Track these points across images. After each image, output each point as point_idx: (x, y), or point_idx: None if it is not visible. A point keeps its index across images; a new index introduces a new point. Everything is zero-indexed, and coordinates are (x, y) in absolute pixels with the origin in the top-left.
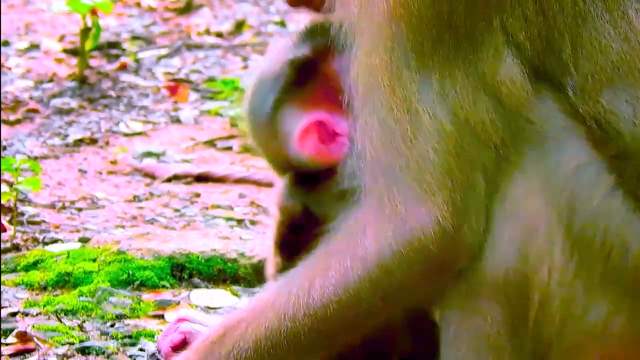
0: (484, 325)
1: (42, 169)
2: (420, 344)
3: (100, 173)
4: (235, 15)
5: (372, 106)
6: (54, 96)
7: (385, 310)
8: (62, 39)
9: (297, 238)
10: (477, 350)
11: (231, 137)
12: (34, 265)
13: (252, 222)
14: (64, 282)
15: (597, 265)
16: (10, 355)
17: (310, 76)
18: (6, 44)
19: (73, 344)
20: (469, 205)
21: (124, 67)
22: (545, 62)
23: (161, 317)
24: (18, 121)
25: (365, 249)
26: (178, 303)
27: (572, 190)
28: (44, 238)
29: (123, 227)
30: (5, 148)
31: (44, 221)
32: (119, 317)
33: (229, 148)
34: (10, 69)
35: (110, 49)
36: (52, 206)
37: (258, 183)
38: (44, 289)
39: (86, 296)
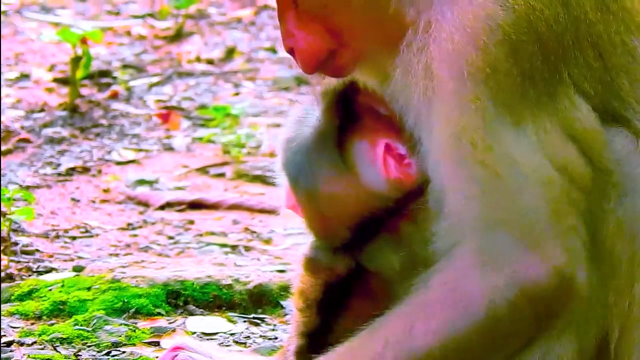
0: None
1: (35, 199)
2: None
3: (93, 201)
4: (225, 42)
5: (466, 167)
6: (46, 126)
7: (488, 355)
8: (52, 68)
9: (338, 296)
10: None
11: (224, 163)
12: (29, 294)
13: (247, 248)
14: (59, 311)
15: None
16: None
17: (351, 113)
18: None
19: None
20: (577, 250)
21: (115, 96)
22: (607, 104)
23: (157, 344)
24: (10, 151)
25: (472, 299)
26: (174, 330)
27: None
28: (38, 267)
29: (117, 255)
30: None
31: (37, 250)
32: (115, 345)
33: (222, 175)
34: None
35: (101, 77)
36: (46, 235)
37: (251, 209)
38: (39, 318)
39: (81, 325)
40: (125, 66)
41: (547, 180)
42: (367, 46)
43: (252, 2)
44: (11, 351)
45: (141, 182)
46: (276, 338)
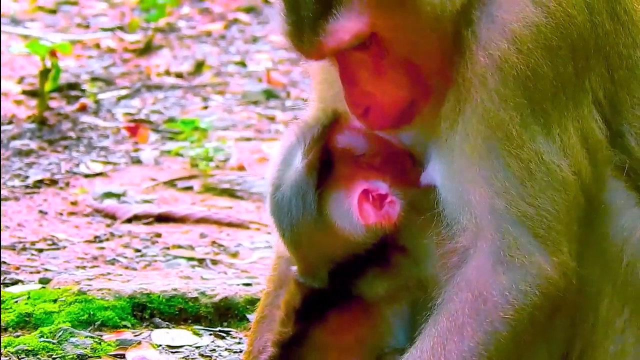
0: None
1: (3, 211)
2: None
3: (61, 214)
4: (194, 56)
5: (499, 159)
6: (14, 138)
7: (517, 352)
8: (21, 80)
9: (317, 307)
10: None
11: (192, 177)
12: None
13: (213, 262)
14: (25, 323)
15: None
16: None
17: (329, 162)
18: None
19: None
20: (574, 256)
21: (83, 108)
22: (609, 116)
23: (122, 357)
24: None
25: (494, 300)
26: (139, 343)
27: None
28: (4, 279)
29: (84, 267)
30: None
31: (4, 262)
32: (80, 357)
33: (190, 188)
34: None
35: (70, 90)
36: (13, 247)
37: (219, 223)
38: (4, 330)
39: (47, 337)
40: (94, 79)
41: (566, 184)
42: (436, 82)
43: (222, 16)
44: None
45: (109, 194)
46: (242, 351)
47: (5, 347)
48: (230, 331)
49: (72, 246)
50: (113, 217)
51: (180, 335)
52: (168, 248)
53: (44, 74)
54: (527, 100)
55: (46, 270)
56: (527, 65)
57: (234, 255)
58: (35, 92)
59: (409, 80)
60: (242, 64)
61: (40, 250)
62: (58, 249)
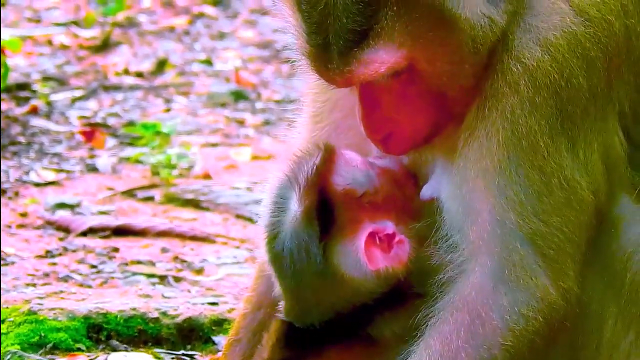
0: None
1: None
2: None
3: (9, 227)
4: (156, 54)
5: (521, 170)
6: None
7: None
8: None
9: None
10: None
11: (153, 186)
12: None
13: (176, 279)
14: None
15: None
16: None
17: (328, 206)
18: None
19: None
20: (579, 276)
21: (34, 111)
22: (630, 126)
23: None
24: None
25: (487, 322)
26: None
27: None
28: None
29: (34, 285)
30: None
31: None
32: None
33: (151, 198)
34: None
35: (19, 90)
36: None
37: (182, 236)
38: None
39: None
40: (46, 78)
41: (583, 203)
42: (461, 105)
43: (187, 10)
44: None
45: (62, 205)
46: None
47: None
48: (194, 355)
49: (21, 261)
50: (66, 230)
51: (140, 359)
52: (126, 264)
53: None
54: (558, 111)
55: None
56: (561, 74)
57: (199, 271)
58: None
59: (434, 108)
60: (208, 62)
61: None
62: (6, 264)
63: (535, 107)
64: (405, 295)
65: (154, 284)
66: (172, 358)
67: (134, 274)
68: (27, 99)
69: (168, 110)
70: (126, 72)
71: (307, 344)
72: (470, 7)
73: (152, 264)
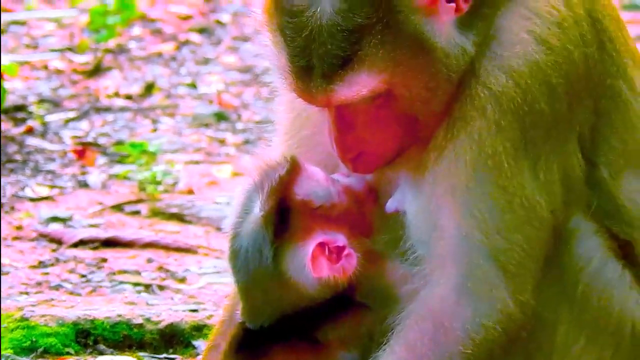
0: None
1: None
2: None
3: (5, 239)
4: (145, 78)
5: (485, 189)
6: None
7: None
8: None
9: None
10: None
11: (139, 201)
12: None
13: (160, 287)
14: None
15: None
16: None
17: (286, 214)
18: None
19: None
20: (535, 289)
21: (30, 131)
22: (587, 146)
23: None
24: None
25: (453, 329)
26: None
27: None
28: None
29: (27, 293)
30: None
31: None
32: None
33: (137, 212)
34: None
35: (17, 112)
36: None
37: (166, 247)
38: None
39: None
40: (42, 101)
41: (542, 222)
42: (430, 129)
43: (174, 37)
44: None
45: (55, 219)
46: None
47: None
48: (175, 358)
49: (15, 271)
50: (59, 242)
51: None
52: (114, 273)
53: None
54: (522, 134)
55: None
56: (524, 99)
57: (181, 280)
58: None
59: (404, 130)
60: (193, 85)
61: None
62: (2, 274)
63: (501, 130)
64: (351, 305)
65: (139, 292)
66: None
67: (121, 282)
68: (23, 120)
69: (155, 130)
70: (116, 94)
71: (256, 348)
72: (446, 37)
73: (138, 273)
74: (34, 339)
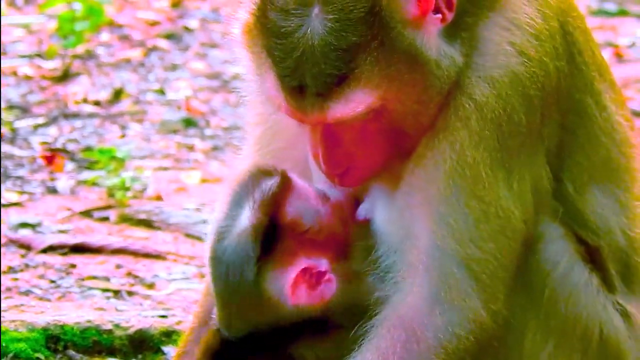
0: None
1: None
2: None
3: None
4: (113, 84)
5: (462, 198)
6: None
7: None
8: None
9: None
10: None
11: (108, 207)
12: None
13: (129, 293)
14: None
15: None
16: None
17: (274, 231)
18: None
19: None
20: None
21: None
22: (553, 161)
23: None
24: None
25: (422, 340)
26: None
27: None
28: None
29: None
30: None
31: None
32: None
33: (106, 218)
34: None
35: None
36: None
37: (135, 253)
38: None
39: None
40: (11, 107)
41: (515, 232)
42: (415, 141)
43: (142, 43)
44: None
45: (24, 225)
46: None
47: None
48: None
49: None
50: (28, 248)
51: None
52: (83, 279)
53: None
54: (500, 144)
55: None
56: (504, 109)
57: (150, 286)
58: None
59: (391, 144)
60: (161, 91)
61: None
62: None
63: (482, 140)
64: (328, 325)
65: (108, 297)
66: None
67: (90, 288)
68: None
69: (123, 136)
70: (85, 100)
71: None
72: (436, 49)
73: (107, 279)
74: (4, 345)
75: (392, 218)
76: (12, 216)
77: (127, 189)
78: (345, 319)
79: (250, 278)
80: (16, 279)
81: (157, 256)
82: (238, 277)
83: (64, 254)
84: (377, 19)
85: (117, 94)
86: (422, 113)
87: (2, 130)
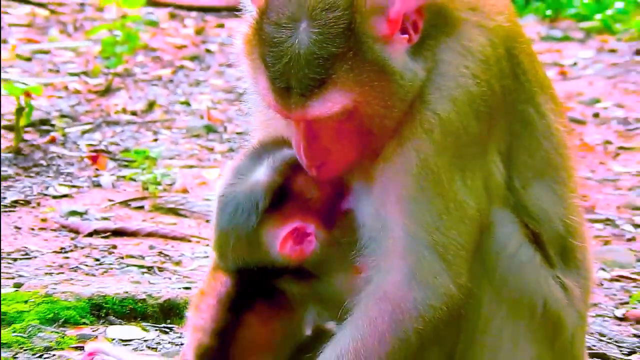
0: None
1: None
2: None
3: (33, 229)
4: (147, 97)
5: (426, 196)
6: None
7: (419, 355)
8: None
9: (246, 296)
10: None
11: (143, 198)
12: None
13: (160, 269)
14: (0, 320)
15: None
16: None
17: (283, 192)
18: None
19: None
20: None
21: (53, 141)
22: (505, 161)
23: (82, 349)
24: None
25: (407, 309)
26: (96, 337)
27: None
28: None
29: (51, 274)
30: None
31: None
32: (47, 349)
33: (141, 207)
34: None
35: (42, 125)
36: None
37: (165, 236)
38: None
39: (19, 332)
40: (62, 116)
41: (472, 220)
42: (382, 142)
43: (171, 63)
44: None
45: (73, 213)
46: (182, 344)
47: None
48: (172, 327)
49: (41, 256)
50: (76, 232)
51: (131, 331)
52: (122, 257)
53: (19, 111)
54: (458, 151)
55: (20, 276)
56: (461, 123)
57: (177, 263)
58: (12, 127)
59: (361, 143)
60: (187, 103)
61: (15, 260)
62: (30, 258)
63: (443, 149)
64: (305, 273)
65: (142, 273)
66: (156, 330)
67: (128, 265)
68: (47, 132)
69: (155, 140)
70: (124, 110)
71: (243, 306)
72: (402, 63)
73: (142, 257)
74: (56, 312)
75: (370, 212)
76: (64, 206)
77: (159, 183)
78: (318, 272)
79: (253, 223)
80: (67, 258)
81: (183, 238)
82: (243, 219)
83: (106, 237)
84: (353, 34)
85: (151, 105)
86: (388, 117)
87: (55, 135)
